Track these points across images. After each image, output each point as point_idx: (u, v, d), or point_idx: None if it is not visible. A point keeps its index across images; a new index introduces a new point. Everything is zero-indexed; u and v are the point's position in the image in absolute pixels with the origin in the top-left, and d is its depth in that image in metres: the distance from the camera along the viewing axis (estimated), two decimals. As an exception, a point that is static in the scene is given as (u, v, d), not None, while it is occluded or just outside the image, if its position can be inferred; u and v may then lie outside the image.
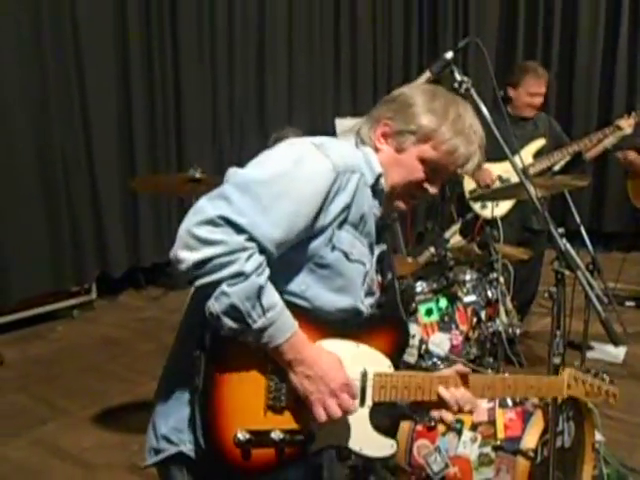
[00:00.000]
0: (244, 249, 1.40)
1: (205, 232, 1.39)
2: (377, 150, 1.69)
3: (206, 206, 1.42)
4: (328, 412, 1.52)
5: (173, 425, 1.60)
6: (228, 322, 1.43)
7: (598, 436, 2.79)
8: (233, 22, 6.26)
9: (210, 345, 1.49)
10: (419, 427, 2.65)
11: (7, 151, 4.74)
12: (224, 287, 1.40)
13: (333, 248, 1.56)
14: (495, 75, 2.20)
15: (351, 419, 1.61)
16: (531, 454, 2.39)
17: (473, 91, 1.98)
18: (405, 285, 3.20)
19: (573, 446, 2.61)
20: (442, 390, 1.68)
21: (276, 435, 1.52)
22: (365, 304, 1.70)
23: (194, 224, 1.40)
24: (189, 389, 1.54)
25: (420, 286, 3.23)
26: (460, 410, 1.70)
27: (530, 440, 2.42)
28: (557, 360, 2.17)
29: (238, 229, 1.40)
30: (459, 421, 2.58)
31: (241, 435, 1.49)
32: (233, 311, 1.41)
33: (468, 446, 2.53)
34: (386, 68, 7.80)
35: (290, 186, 1.47)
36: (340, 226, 1.56)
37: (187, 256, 1.41)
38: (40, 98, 4.90)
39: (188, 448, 1.57)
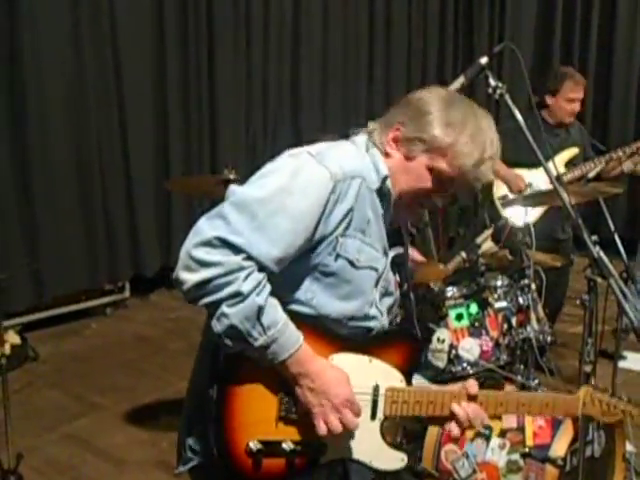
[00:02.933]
0: (241, 268, 1.42)
1: (203, 254, 1.42)
2: (387, 155, 1.65)
3: (204, 227, 1.45)
4: (329, 426, 1.54)
5: (196, 435, 1.63)
6: (229, 342, 1.47)
7: (629, 447, 2.76)
8: (268, 22, 6.26)
9: (223, 358, 1.53)
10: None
11: (44, 150, 4.82)
12: (224, 308, 1.44)
13: (337, 257, 1.56)
14: (530, 80, 2.19)
15: (362, 432, 1.62)
16: (560, 462, 2.37)
17: (507, 97, 1.97)
18: (436, 290, 3.19)
19: (603, 456, 2.58)
20: (455, 406, 1.66)
21: (287, 446, 1.55)
22: (380, 308, 1.70)
23: (192, 246, 1.43)
24: (206, 403, 1.56)
25: (451, 291, 3.21)
26: (470, 426, 1.68)
27: (559, 448, 2.40)
28: (588, 368, 2.15)
29: (235, 249, 1.42)
30: (488, 427, 2.57)
31: (253, 445, 1.52)
32: (233, 331, 1.45)
33: (496, 452, 2.52)
34: (420, 73, 7.76)
35: (286, 202, 1.47)
36: (344, 233, 1.55)
37: (187, 277, 1.44)
38: (77, 98, 4.97)
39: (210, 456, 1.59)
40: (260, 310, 1.44)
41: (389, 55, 7.48)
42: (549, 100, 4.11)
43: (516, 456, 2.47)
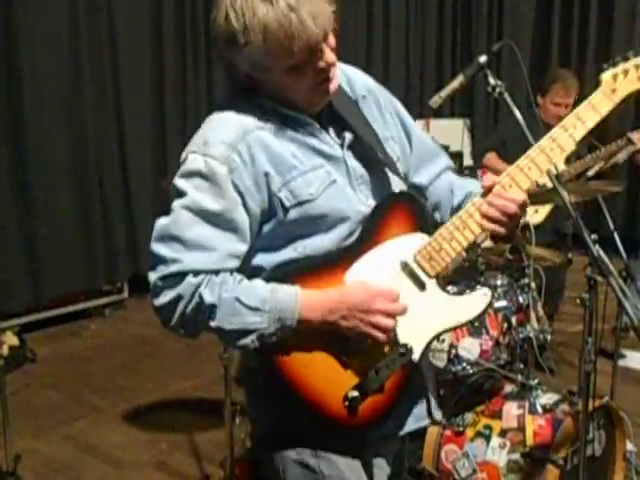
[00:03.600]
0: (198, 285, 1.43)
1: (163, 299, 1.44)
2: (257, 90, 1.51)
3: (151, 277, 1.46)
4: (384, 329, 1.48)
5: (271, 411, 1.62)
6: (246, 342, 1.46)
7: (630, 446, 2.75)
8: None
9: (259, 349, 1.50)
10: (447, 432, 2.64)
11: (42, 151, 4.81)
12: (212, 324, 1.44)
13: (290, 209, 1.48)
14: (529, 79, 2.18)
15: (428, 306, 1.56)
16: (561, 462, 2.36)
17: (507, 95, 1.96)
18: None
19: (604, 455, 2.58)
20: (483, 207, 1.54)
21: (377, 368, 1.50)
22: (371, 201, 1.59)
23: (151, 298, 1.46)
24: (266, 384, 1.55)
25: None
26: (508, 215, 1.54)
27: (560, 447, 2.39)
28: (588, 367, 2.14)
29: (179, 276, 1.43)
30: (488, 427, 2.56)
31: (351, 394, 1.49)
32: (236, 334, 1.45)
33: (497, 452, 2.51)
34: (418, 71, 7.77)
35: (194, 210, 1.45)
36: (283, 186, 1.48)
37: (170, 324, 1.47)
38: (75, 98, 4.97)
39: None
40: (238, 300, 1.43)
41: (387, 53, 7.49)
42: (539, 99, 4.19)
43: (516, 456, 2.46)
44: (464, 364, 2.91)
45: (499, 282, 3.24)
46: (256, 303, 1.44)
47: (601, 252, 2.20)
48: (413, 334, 1.54)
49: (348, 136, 1.59)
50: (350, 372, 1.51)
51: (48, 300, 4.92)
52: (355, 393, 1.49)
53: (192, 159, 1.49)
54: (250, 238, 1.50)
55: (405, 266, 1.56)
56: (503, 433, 2.54)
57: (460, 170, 4.63)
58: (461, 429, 2.60)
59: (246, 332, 1.45)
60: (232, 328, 1.44)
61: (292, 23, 1.36)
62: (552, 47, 7.40)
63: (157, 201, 5.65)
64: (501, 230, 1.57)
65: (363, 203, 1.57)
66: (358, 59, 7.22)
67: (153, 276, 1.45)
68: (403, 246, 1.57)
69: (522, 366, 3.10)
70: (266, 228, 1.52)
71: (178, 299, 1.43)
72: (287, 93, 1.49)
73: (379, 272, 1.53)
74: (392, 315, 1.49)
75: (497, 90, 1.96)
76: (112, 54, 5.19)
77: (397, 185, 1.66)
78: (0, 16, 4.56)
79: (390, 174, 1.65)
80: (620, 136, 4.16)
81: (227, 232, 1.46)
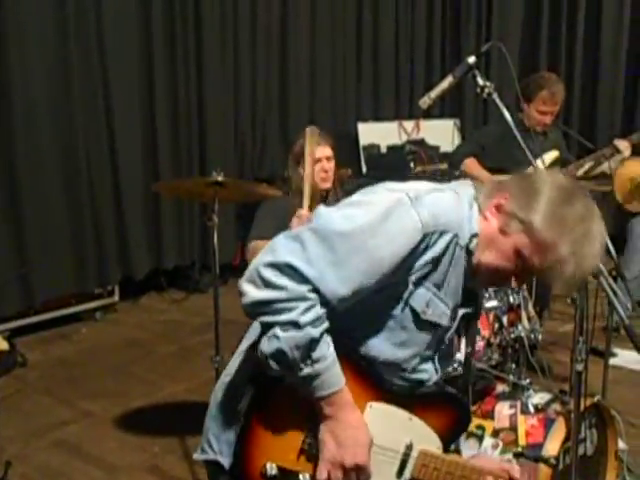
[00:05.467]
0: (304, 299, 1.40)
1: (271, 274, 1.40)
2: (485, 218, 1.56)
3: (281, 247, 1.43)
4: (330, 478, 1.51)
5: (216, 433, 1.64)
6: (274, 364, 1.44)
7: (621, 444, 2.76)
8: (255, 25, 6.28)
9: (261, 378, 1.51)
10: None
11: (32, 153, 4.78)
12: (277, 330, 1.41)
13: (405, 305, 1.52)
14: (519, 78, 2.18)
15: None
16: (553, 461, 2.37)
17: (495, 96, 1.97)
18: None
19: (595, 454, 2.59)
20: None
21: (304, 478, 1.52)
22: (437, 366, 1.66)
23: (263, 263, 1.41)
24: (235, 406, 1.55)
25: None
26: None
27: (552, 447, 2.40)
28: (580, 367, 2.15)
29: (304, 279, 1.40)
30: (480, 427, 2.56)
31: (269, 467, 1.50)
32: (280, 355, 1.42)
33: (489, 452, 2.51)
34: (408, 72, 7.78)
35: (370, 243, 1.42)
36: (419, 283, 1.51)
37: (250, 291, 1.42)
38: (65, 101, 4.94)
39: (224, 460, 1.59)
40: (312, 342, 1.42)
41: (377, 55, 7.50)
42: (524, 105, 4.07)
43: (509, 456, 2.47)
44: (455, 364, 2.91)
45: (490, 282, 3.24)
46: (316, 357, 1.43)
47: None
48: None
49: (471, 311, 1.70)
50: (297, 456, 1.53)
51: (39, 304, 4.89)
52: (274, 470, 1.50)
53: (403, 201, 1.48)
54: (366, 292, 1.48)
55: (406, 452, 1.60)
56: (495, 433, 2.54)
57: (449, 172, 4.62)
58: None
59: (286, 364, 1.43)
60: (285, 351, 1.42)
61: (571, 273, 1.46)
62: (540, 48, 7.42)
63: (148, 204, 5.64)
64: None
65: (433, 363, 1.66)
66: (348, 60, 7.24)
67: (287, 256, 1.40)
68: (423, 436, 1.61)
69: (514, 366, 3.11)
70: (368, 300, 1.51)
71: (281, 289, 1.39)
72: (487, 246, 1.55)
73: (390, 431, 1.57)
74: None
75: (486, 91, 1.97)
76: (101, 58, 5.16)
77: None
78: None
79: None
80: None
81: (369, 278, 1.44)
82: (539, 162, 3.90)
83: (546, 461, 2.37)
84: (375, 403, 1.56)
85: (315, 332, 1.41)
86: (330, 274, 1.40)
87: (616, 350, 4.05)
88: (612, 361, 3.68)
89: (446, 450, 1.64)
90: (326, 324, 1.44)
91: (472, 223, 1.54)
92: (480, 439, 2.55)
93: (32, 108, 4.77)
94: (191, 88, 5.82)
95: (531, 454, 2.42)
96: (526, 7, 7.56)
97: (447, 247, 1.50)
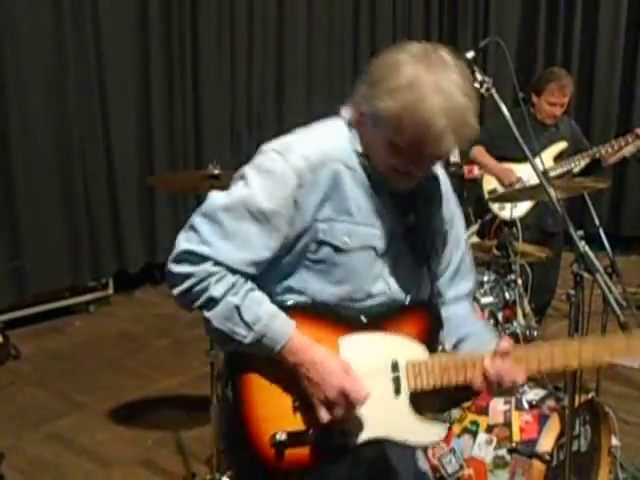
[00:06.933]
0: (211, 274, 1.49)
1: (176, 267, 1.52)
2: (361, 133, 1.56)
3: (180, 240, 1.53)
4: (332, 414, 1.52)
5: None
6: (220, 344, 1.54)
7: (615, 441, 2.76)
8: (252, 18, 6.26)
9: (228, 357, 1.60)
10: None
11: (26, 148, 4.76)
12: (204, 312, 1.52)
13: (320, 244, 1.54)
14: (516, 74, 2.18)
15: (388, 410, 1.58)
16: (547, 457, 2.37)
17: (494, 91, 1.96)
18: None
19: (589, 450, 2.59)
20: (487, 362, 1.54)
21: (313, 434, 1.54)
22: (388, 280, 1.62)
23: (170, 261, 1.53)
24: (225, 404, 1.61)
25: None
26: (500, 385, 1.54)
27: (546, 443, 2.41)
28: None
29: (202, 258, 1.49)
30: (475, 423, 2.57)
31: (279, 436, 1.52)
32: (219, 333, 1.51)
33: (483, 448, 2.52)
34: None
35: (251, 207, 1.49)
36: (325, 220, 1.53)
37: (173, 291, 1.54)
38: (60, 95, 4.92)
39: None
40: (238, 309, 1.49)
41: (374, 50, 7.48)
42: (534, 98, 4.20)
43: (503, 452, 2.47)
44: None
45: (486, 278, 3.25)
46: (251, 319, 1.49)
47: (587, 248, 2.21)
48: (363, 425, 1.57)
49: (411, 219, 1.64)
50: (294, 417, 1.55)
51: (32, 296, 4.88)
52: (283, 436, 1.52)
53: (272, 157, 1.53)
54: (277, 252, 1.54)
55: (394, 367, 1.59)
56: (490, 429, 2.55)
57: (446, 165, 4.63)
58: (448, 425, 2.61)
59: (228, 338, 1.51)
60: (219, 328, 1.51)
61: (433, 130, 1.40)
62: (538, 43, 7.43)
63: (143, 197, 5.63)
64: (484, 390, 1.58)
65: (384, 281, 1.62)
66: (345, 57, 7.22)
67: (183, 244, 1.51)
68: (404, 348, 1.60)
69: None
70: (287, 259, 1.56)
71: (190, 276, 1.50)
72: (374, 154, 1.54)
73: (370, 357, 1.58)
74: (346, 410, 1.52)
75: (484, 86, 1.96)
76: (97, 52, 5.14)
77: (425, 285, 1.70)
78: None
79: (425, 271, 1.69)
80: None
81: (265, 237, 1.51)
82: (544, 155, 3.97)
83: (540, 457, 2.38)
84: (344, 337, 1.57)
85: (235, 299, 1.49)
86: (226, 246, 1.49)
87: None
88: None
89: (433, 351, 1.62)
90: (246, 287, 1.52)
91: (354, 143, 1.56)
92: (474, 435, 2.55)
93: (27, 103, 4.75)
94: (187, 81, 5.81)
95: (525, 450, 2.42)
96: (523, 3, 7.57)
97: (334, 177, 1.52)
